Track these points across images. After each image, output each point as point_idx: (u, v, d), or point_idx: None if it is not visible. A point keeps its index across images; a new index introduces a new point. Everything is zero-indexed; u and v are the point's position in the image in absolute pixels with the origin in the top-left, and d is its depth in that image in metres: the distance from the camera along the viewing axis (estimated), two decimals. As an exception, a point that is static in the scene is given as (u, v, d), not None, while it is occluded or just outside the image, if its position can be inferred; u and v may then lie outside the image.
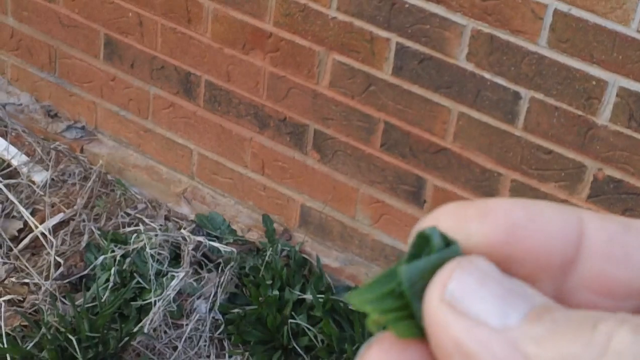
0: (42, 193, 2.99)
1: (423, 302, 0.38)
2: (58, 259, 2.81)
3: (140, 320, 2.65)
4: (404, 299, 0.39)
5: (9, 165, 3.08)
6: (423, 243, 0.40)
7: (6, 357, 2.52)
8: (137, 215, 2.98)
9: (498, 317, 0.36)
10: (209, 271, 2.80)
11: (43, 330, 2.52)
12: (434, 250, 0.39)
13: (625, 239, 0.39)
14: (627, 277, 0.39)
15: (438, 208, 0.40)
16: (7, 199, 2.96)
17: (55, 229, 2.90)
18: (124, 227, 2.94)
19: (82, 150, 3.16)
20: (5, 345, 2.52)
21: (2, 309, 2.65)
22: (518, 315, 0.37)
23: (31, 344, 2.51)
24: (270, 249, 2.81)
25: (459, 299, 0.37)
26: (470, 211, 0.40)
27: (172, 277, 2.72)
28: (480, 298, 0.37)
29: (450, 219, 0.40)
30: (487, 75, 2.43)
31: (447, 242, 0.39)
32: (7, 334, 2.57)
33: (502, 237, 0.39)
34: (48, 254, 2.83)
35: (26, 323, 2.60)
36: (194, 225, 2.94)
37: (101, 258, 2.76)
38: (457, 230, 0.39)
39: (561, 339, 0.35)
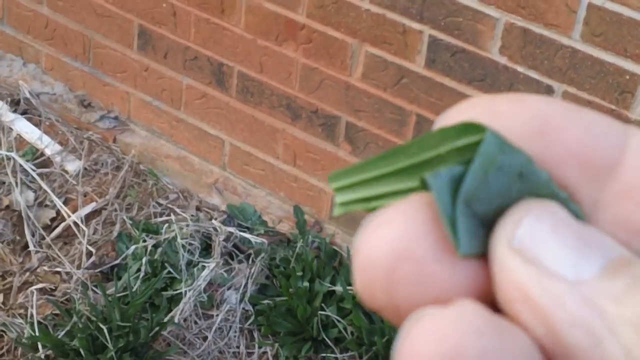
0: (74, 182, 3.01)
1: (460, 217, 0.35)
2: (90, 248, 2.82)
3: (171, 310, 2.66)
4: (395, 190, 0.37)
5: (43, 154, 3.10)
6: (447, 139, 0.36)
7: (37, 346, 2.54)
8: (169, 205, 2.99)
9: (572, 269, 0.33)
10: (240, 262, 2.80)
11: (74, 319, 2.53)
12: (478, 154, 0.35)
13: None
14: None
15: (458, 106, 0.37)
16: (40, 187, 2.97)
17: (88, 218, 2.92)
18: (155, 217, 2.95)
19: (114, 140, 3.18)
20: (37, 334, 2.54)
21: (34, 297, 2.66)
22: (594, 269, 0.33)
23: (62, 333, 2.53)
24: (301, 240, 2.81)
25: (529, 247, 0.34)
26: (501, 100, 0.36)
27: (203, 268, 2.73)
28: (552, 248, 0.34)
29: (476, 109, 0.37)
30: (520, 69, 2.42)
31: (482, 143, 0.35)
32: (39, 322, 2.59)
33: (537, 125, 0.36)
34: (80, 243, 2.84)
35: (58, 312, 2.62)
36: (225, 216, 2.94)
37: (132, 248, 2.77)
38: (485, 118, 0.36)
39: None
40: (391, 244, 0.35)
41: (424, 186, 0.36)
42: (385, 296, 0.35)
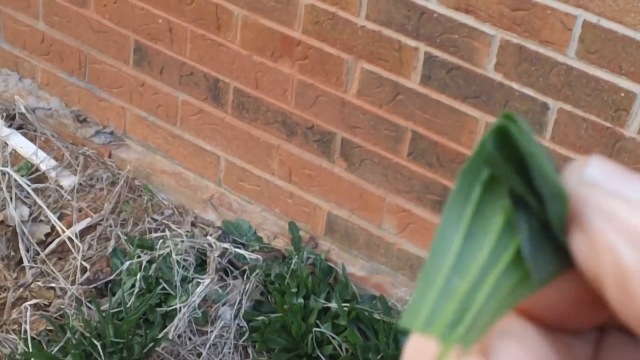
0: (69, 198, 3.00)
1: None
2: (84, 263, 2.82)
3: (165, 326, 2.65)
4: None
5: (38, 169, 3.09)
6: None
7: (31, 361, 2.53)
8: (164, 221, 2.99)
9: None
10: (235, 278, 2.80)
11: (68, 334, 2.53)
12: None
13: None
14: None
15: None
16: (35, 203, 2.97)
17: (82, 233, 2.91)
18: (150, 232, 2.94)
19: (110, 156, 3.18)
20: (31, 350, 2.53)
21: (28, 313, 2.66)
22: None
23: (56, 349, 2.52)
24: (296, 256, 2.80)
25: (604, 180, 0.33)
26: None
27: (198, 284, 2.72)
28: (625, 179, 0.33)
29: None
30: (515, 86, 2.42)
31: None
32: (33, 338, 2.59)
33: None
34: (74, 258, 2.84)
35: (51, 327, 2.61)
36: (220, 232, 2.94)
37: (127, 263, 2.77)
38: None
39: None
40: None
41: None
42: None
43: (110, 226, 2.93)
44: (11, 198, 2.94)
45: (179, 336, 2.67)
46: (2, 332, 2.64)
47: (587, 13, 2.25)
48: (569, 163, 0.35)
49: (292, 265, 2.78)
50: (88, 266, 2.81)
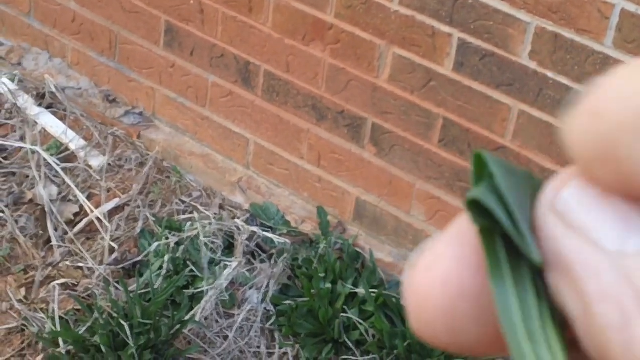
0: (98, 178, 3.00)
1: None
2: (112, 244, 2.82)
3: (192, 309, 2.65)
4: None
5: (67, 149, 3.10)
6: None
7: (58, 341, 2.53)
8: (192, 203, 2.99)
9: (615, 240, 0.30)
10: (262, 262, 2.79)
11: (96, 315, 2.53)
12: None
13: None
14: None
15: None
16: (64, 182, 2.97)
17: (111, 214, 2.91)
18: (178, 214, 2.94)
19: (139, 136, 3.17)
20: (58, 329, 2.53)
21: (56, 292, 2.66)
22: (638, 244, 0.30)
23: (84, 329, 2.52)
24: (324, 241, 2.79)
25: (573, 211, 0.31)
26: None
27: (225, 267, 2.72)
28: (597, 214, 0.31)
29: None
30: (549, 74, 2.40)
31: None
32: (60, 318, 2.59)
33: None
34: (103, 238, 2.84)
35: (79, 307, 2.61)
36: (248, 215, 2.93)
37: (155, 245, 2.77)
38: None
39: None
40: (446, 283, 0.34)
41: (470, 206, 0.34)
42: (448, 337, 0.34)
43: (139, 207, 2.93)
44: (40, 177, 2.95)
45: (206, 319, 2.67)
46: (30, 310, 2.65)
47: (625, 2, 2.23)
48: (550, 181, 0.33)
49: (319, 250, 2.77)
50: (116, 247, 2.82)
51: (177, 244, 2.76)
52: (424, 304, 0.34)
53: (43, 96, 3.23)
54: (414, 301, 0.34)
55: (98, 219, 2.88)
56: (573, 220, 0.31)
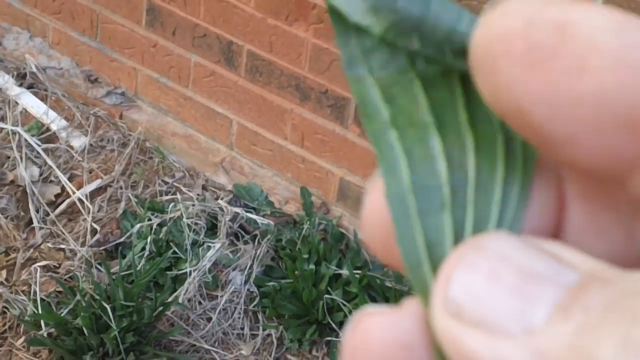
0: (80, 158, 2.98)
1: None
2: (94, 225, 2.80)
3: (175, 290, 2.64)
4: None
5: (48, 129, 3.07)
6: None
7: (40, 323, 2.52)
8: (175, 183, 2.97)
9: (518, 320, 0.27)
10: (245, 243, 2.78)
11: (78, 297, 2.51)
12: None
13: None
14: None
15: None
16: (45, 163, 2.95)
17: (93, 195, 2.89)
18: (161, 195, 2.92)
19: (121, 117, 3.15)
20: (40, 311, 2.51)
21: (38, 274, 2.64)
22: (543, 312, 0.27)
23: (65, 311, 2.51)
24: (308, 222, 2.78)
25: (466, 307, 0.28)
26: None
27: (208, 248, 2.71)
28: (492, 300, 0.27)
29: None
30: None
31: None
32: (42, 300, 2.57)
33: None
34: (84, 220, 2.82)
35: (61, 289, 2.60)
36: (231, 196, 2.92)
37: (137, 226, 2.75)
38: None
39: (593, 342, 0.25)
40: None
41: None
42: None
43: (121, 188, 2.91)
44: (21, 158, 2.92)
45: (189, 300, 2.66)
46: (11, 293, 2.63)
47: None
48: (436, 276, 0.30)
49: (303, 231, 2.76)
50: (98, 228, 2.80)
51: (160, 225, 2.74)
52: (372, 222, 0.34)
53: (24, 76, 3.20)
54: (367, 223, 0.34)
55: (80, 200, 2.86)
56: (470, 317, 0.28)
